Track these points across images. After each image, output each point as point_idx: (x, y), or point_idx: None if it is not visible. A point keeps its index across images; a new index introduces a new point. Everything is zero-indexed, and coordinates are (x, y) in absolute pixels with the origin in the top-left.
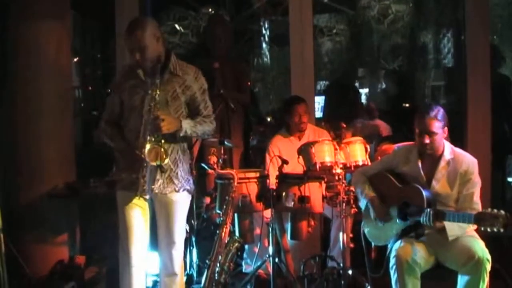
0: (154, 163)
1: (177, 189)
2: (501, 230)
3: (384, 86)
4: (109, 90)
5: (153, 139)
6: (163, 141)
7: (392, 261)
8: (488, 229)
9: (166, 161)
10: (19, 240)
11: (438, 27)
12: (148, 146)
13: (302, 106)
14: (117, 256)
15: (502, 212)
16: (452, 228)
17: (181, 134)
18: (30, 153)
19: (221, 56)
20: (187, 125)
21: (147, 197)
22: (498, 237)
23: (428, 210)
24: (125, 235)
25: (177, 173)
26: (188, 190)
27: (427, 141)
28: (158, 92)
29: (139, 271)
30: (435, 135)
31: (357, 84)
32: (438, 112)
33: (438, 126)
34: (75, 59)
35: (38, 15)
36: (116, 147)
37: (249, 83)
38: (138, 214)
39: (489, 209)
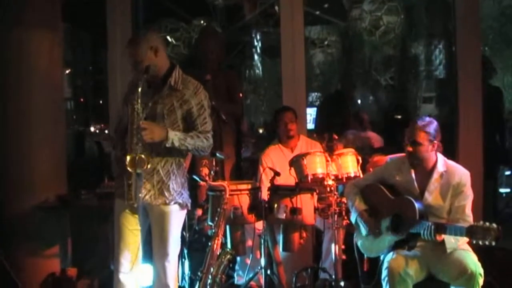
0: (133, 171)
1: (167, 201)
2: (493, 243)
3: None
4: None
5: (137, 148)
6: (138, 148)
7: (384, 272)
8: (480, 242)
9: (149, 166)
10: (10, 252)
11: (430, 39)
12: (129, 156)
13: (288, 114)
14: (109, 268)
15: (494, 225)
16: (450, 241)
17: (167, 145)
18: (22, 164)
19: (213, 68)
20: (174, 137)
21: (135, 205)
22: (491, 249)
23: (429, 223)
24: (116, 242)
25: (168, 186)
26: (179, 204)
27: (409, 149)
28: (139, 103)
29: (127, 280)
30: (419, 146)
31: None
32: (428, 124)
33: (423, 137)
34: (67, 71)
35: (29, 25)
36: (115, 156)
37: (241, 95)
38: (129, 223)
39: (481, 222)
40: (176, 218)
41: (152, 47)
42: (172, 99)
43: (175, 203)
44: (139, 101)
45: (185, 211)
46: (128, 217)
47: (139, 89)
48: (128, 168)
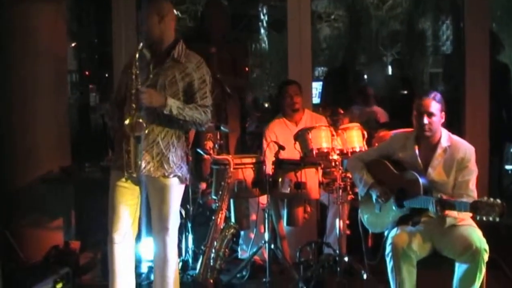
0: (132, 134)
1: (166, 174)
2: (497, 219)
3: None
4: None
5: (134, 112)
6: (139, 113)
7: (388, 248)
8: (484, 218)
9: (146, 131)
10: (14, 224)
11: (437, 14)
12: (128, 120)
13: (293, 87)
14: None
15: (498, 200)
16: (450, 217)
17: (165, 111)
18: (25, 136)
19: (218, 40)
20: (173, 104)
21: (134, 175)
22: (495, 226)
23: (433, 199)
24: (110, 214)
25: (168, 158)
26: (179, 177)
27: (425, 121)
28: (137, 66)
29: (122, 250)
30: (433, 116)
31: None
32: (436, 95)
33: (436, 107)
34: (73, 44)
35: None
36: (111, 126)
37: (247, 69)
38: (125, 194)
39: (485, 198)
40: (176, 191)
41: (158, 13)
42: (174, 71)
43: (174, 176)
44: (137, 65)
45: (183, 185)
46: (121, 190)
47: (136, 55)
48: (127, 132)
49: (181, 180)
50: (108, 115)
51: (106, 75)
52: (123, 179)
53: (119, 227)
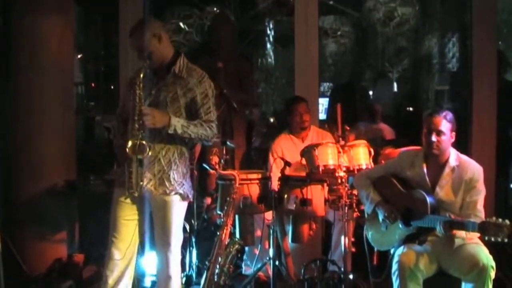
0: (134, 157)
1: (167, 191)
2: (506, 240)
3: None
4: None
5: (139, 134)
6: (139, 133)
7: (395, 266)
8: (492, 239)
9: (150, 153)
10: (17, 237)
11: (444, 31)
12: (130, 142)
13: (303, 105)
14: None
15: (507, 221)
16: (459, 236)
17: (170, 131)
18: (31, 149)
19: (225, 55)
20: (177, 123)
21: (136, 195)
22: (501, 245)
23: (440, 218)
24: (111, 231)
25: (169, 175)
26: (180, 195)
27: (434, 139)
28: (141, 87)
29: (118, 270)
30: (442, 135)
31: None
32: (448, 114)
33: (446, 126)
34: (79, 56)
35: (41, 9)
36: (115, 144)
37: (253, 84)
38: (125, 213)
39: (494, 218)
40: (177, 208)
41: (155, 34)
42: (176, 87)
43: (176, 193)
44: (141, 86)
45: (186, 203)
46: (124, 206)
47: (141, 75)
48: (129, 154)
49: (183, 198)
50: (113, 132)
51: (112, 87)
52: (126, 198)
53: (119, 243)
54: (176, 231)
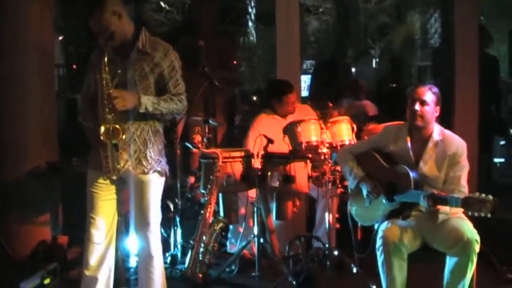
0: (108, 142)
1: (146, 170)
2: (488, 215)
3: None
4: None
5: (110, 118)
6: (111, 117)
7: (379, 242)
8: (476, 214)
9: (124, 137)
10: (0, 220)
11: (425, 7)
12: (103, 127)
13: (294, 95)
14: None
15: (490, 196)
16: (443, 211)
17: (141, 110)
18: (12, 131)
19: (206, 34)
20: (147, 101)
21: (114, 178)
22: (485, 219)
23: (423, 193)
24: (89, 215)
25: (145, 154)
26: (159, 172)
27: (417, 107)
28: (106, 71)
29: (99, 251)
30: (426, 105)
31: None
32: (433, 87)
33: (430, 98)
34: (60, 38)
35: None
36: (86, 127)
37: (235, 62)
38: (104, 193)
39: (477, 194)
40: (156, 187)
41: (115, 12)
42: (142, 64)
43: (154, 171)
44: (107, 69)
45: (164, 179)
46: (101, 187)
47: (105, 58)
48: (103, 139)
49: (161, 174)
50: (81, 115)
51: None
52: (102, 179)
53: (98, 223)
54: (155, 210)
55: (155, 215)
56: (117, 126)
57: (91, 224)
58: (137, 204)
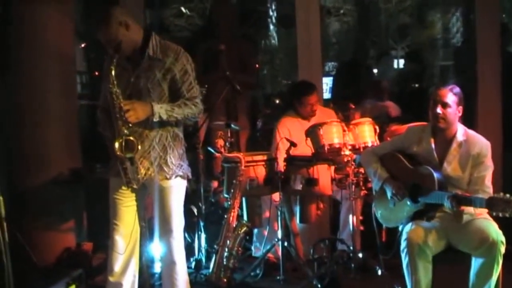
0: (123, 156)
1: (168, 176)
2: None
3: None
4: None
5: (125, 131)
6: (126, 131)
7: (403, 244)
8: (500, 214)
9: (139, 148)
10: (25, 227)
11: (446, 6)
12: (117, 142)
13: (314, 96)
14: None
15: None
16: (468, 212)
17: (155, 119)
18: (35, 139)
19: (227, 37)
20: (160, 110)
21: (135, 187)
22: (511, 219)
23: (448, 194)
24: (112, 221)
25: (166, 160)
26: (181, 176)
27: (439, 110)
28: (115, 84)
29: (123, 258)
30: (448, 107)
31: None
32: (454, 87)
33: (452, 99)
34: (82, 45)
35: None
36: (106, 136)
37: (257, 65)
38: (125, 200)
39: (501, 194)
40: (178, 192)
41: (121, 22)
42: (154, 71)
43: (176, 176)
44: (115, 83)
45: (185, 182)
46: (123, 193)
47: (113, 72)
48: (118, 154)
49: (183, 178)
50: (100, 125)
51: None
52: (123, 186)
53: (121, 229)
54: (178, 217)
55: (178, 221)
56: (131, 138)
57: (115, 230)
58: (160, 210)
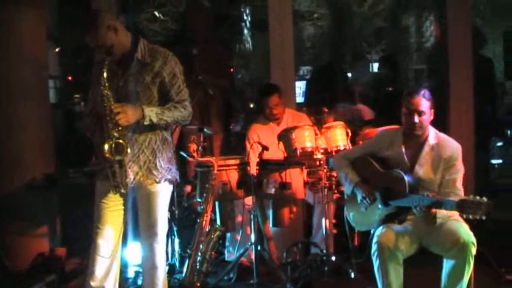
0: (113, 159)
1: (157, 180)
2: (483, 217)
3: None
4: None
5: (115, 134)
6: (116, 134)
7: (374, 247)
8: (470, 217)
9: (129, 151)
10: None
11: (420, 10)
12: (107, 145)
13: (273, 98)
14: None
15: (485, 199)
16: (441, 214)
17: (145, 123)
18: (7, 143)
19: (200, 42)
20: (151, 113)
21: (123, 191)
22: (482, 220)
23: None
24: (96, 225)
25: (155, 164)
26: (169, 180)
27: (416, 120)
28: (107, 86)
29: (106, 262)
30: (423, 114)
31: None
32: (425, 92)
33: (426, 105)
34: (57, 49)
35: (15, 5)
36: (94, 141)
37: (232, 69)
38: (112, 206)
39: (471, 196)
40: (165, 196)
41: (110, 26)
42: (143, 74)
43: (165, 180)
44: (107, 85)
45: (171, 187)
46: (110, 197)
47: (104, 73)
48: (107, 156)
49: (171, 182)
50: (88, 130)
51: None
52: (111, 190)
53: (104, 232)
54: (163, 221)
55: (163, 225)
56: (121, 141)
57: (98, 234)
58: (146, 214)
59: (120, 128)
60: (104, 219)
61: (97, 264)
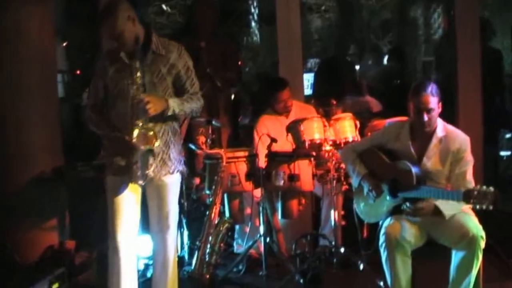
0: (144, 148)
1: (171, 171)
2: (490, 207)
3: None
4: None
5: (141, 123)
6: (151, 124)
7: (382, 238)
8: (477, 206)
9: (157, 144)
10: (7, 226)
11: (428, 2)
12: (136, 131)
13: (285, 92)
14: (107, 240)
15: (491, 188)
16: (447, 208)
17: (169, 113)
18: (16, 138)
19: (208, 34)
20: (174, 104)
21: (141, 183)
22: (492, 212)
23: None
24: (113, 221)
25: (169, 155)
26: (180, 171)
27: (425, 118)
28: (139, 75)
29: (128, 257)
30: (433, 112)
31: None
32: (432, 88)
33: (434, 101)
34: (64, 44)
35: (21, 2)
36: (103, 134)
37: (240, 62)
38: (128, 200)
39: (478, 186)
40: (176, 188)
41: (129, 16)
42: (158, 65)
43: (177, 171)
44: (138, 74)
45: (181, 178)
46: (126, 193)
47: (137, 63)
48: (138, 145)
49: (182, 173)
50: (93, 124)
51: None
52: (125, 184)
53: (126, 233)
54: (175, 213)
55: (175, 217)
56: (151, 132)
57: (116, 230)
58: (159, 207)
59: (145, 118)
60: (122, 214)
61: (118, 258)
